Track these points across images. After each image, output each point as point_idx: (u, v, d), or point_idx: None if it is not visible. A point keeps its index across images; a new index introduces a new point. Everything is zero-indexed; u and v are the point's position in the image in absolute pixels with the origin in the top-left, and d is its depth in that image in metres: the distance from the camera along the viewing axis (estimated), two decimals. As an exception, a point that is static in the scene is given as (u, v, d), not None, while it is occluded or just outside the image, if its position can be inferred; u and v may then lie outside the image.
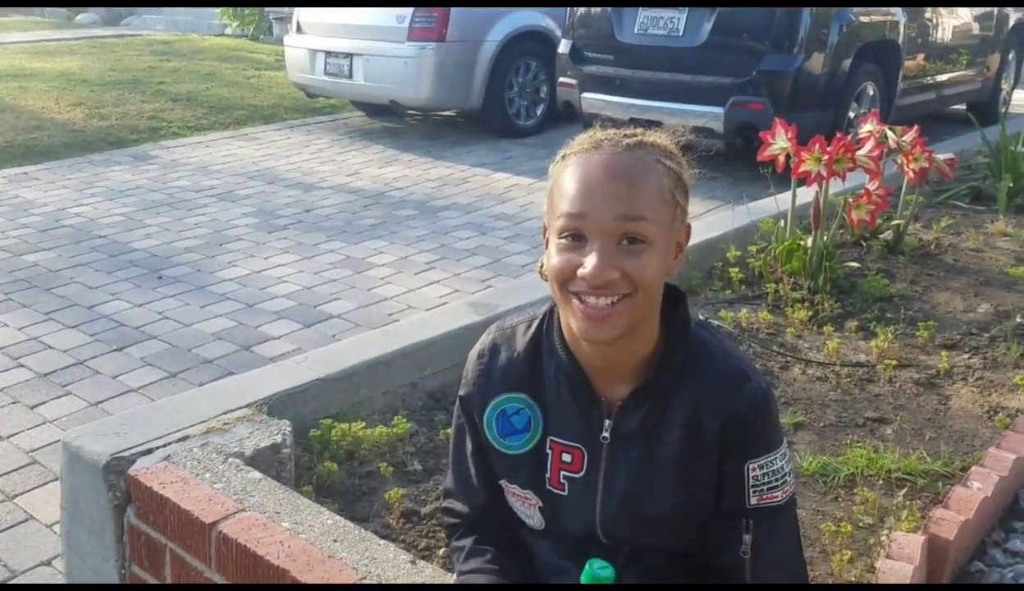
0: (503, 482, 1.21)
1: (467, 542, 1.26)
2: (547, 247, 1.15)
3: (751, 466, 1.14)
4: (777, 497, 1.16)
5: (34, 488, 2.56)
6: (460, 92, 6.81)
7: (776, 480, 1.16)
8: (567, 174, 1.10)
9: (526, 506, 1.19)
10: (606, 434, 1.15)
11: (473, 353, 1.25)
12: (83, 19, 14.65)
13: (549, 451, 1.17)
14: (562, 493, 1.16)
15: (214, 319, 3.71)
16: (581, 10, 6.09)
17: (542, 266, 1.23)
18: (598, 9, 5.96)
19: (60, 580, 2.14)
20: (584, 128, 1.22)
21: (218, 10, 12.60)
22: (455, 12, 6.59)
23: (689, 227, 1.18)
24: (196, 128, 7.26)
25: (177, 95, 8.21)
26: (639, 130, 1.14)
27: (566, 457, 1.16)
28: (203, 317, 3.72)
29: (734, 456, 1.15)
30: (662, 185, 1.08)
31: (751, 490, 1.15)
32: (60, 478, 2.03)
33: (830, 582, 1.80)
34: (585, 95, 5.97)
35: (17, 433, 2.84)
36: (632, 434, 1.15)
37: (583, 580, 1.03)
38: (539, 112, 7.19)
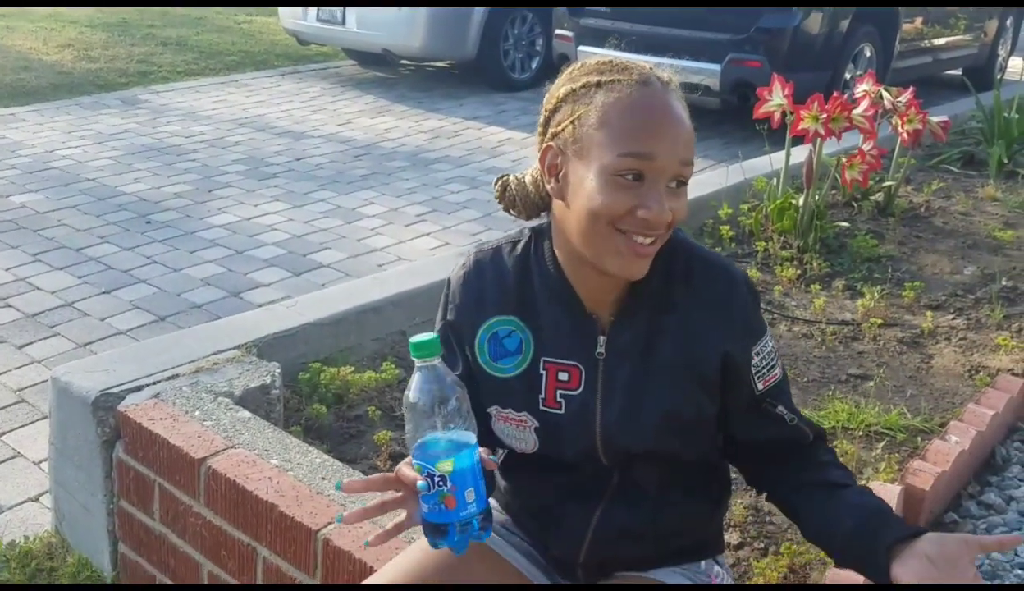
0: (494, 408, 1.21)
1: None
2: (551, 173, 1.12)
3: (752, 353, 1.18)
4: (776, 374, 1.22)
5: (21, 426, 2.57)
6: (454, 42, 6.72)
7: (772, 360, 1.21)
8: (619, 109, 1.06)
9: (519, 429, 1.19)
10: (601, 349, 1.17)
11: (456, 276, 1.22)
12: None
13: (543, 372, 1.17)
14: (558, 411, 1.17)
15: (203, 265, 3.70)
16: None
17: (504, 189, 1.24)
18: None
19: (47, 515, 2.16)
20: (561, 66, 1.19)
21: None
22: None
23: None
24: (186, 73, 7.16)
25: (167, 39, 8.09)
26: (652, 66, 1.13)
27: (563, 376, 1.17)
28: (192, 262, 3.71)
29: (735, 348, 1.17)
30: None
31: (756, 377, 1.19)
32: (49, 414, 2.04)
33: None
34: (581, 48, 5.91)
35: (5, 372, 2.84)
36: (628, 345, 1.17)
37: (412, 353, 1.00)
38: (534, 65, 7.12)
